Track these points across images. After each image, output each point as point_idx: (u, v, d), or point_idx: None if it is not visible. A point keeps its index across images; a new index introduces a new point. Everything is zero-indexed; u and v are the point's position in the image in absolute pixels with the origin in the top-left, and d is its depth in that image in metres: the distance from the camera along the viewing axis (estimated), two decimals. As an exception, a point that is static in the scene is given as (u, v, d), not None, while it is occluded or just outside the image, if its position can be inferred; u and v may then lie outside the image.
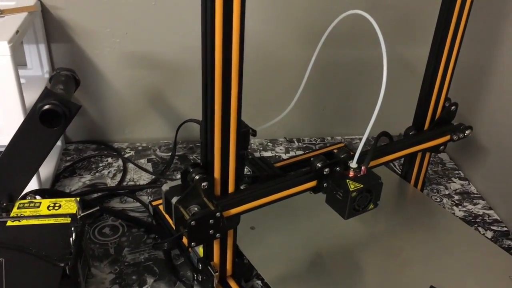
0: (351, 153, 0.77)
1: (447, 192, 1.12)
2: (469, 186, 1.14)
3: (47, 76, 1.11)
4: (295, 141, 1.30)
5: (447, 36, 0.81)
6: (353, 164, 0.76)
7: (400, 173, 1.03)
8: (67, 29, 1.10)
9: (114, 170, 1.14)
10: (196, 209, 0.68)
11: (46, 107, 0.70)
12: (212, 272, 0.76)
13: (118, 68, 1.16)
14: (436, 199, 1.09)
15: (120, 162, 1.17)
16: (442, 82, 0.86)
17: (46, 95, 0.70)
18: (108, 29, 1.11)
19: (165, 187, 0.71)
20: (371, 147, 0.79)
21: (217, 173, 0.69)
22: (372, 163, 0.81)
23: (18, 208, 0.78)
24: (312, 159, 0.76)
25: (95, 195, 1.05)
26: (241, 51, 0.60)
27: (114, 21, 1.10)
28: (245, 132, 0.73)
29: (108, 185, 1.09)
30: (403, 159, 1.00)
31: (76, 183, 1.09)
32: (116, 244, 0.93)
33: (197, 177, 0.68)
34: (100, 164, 1.16)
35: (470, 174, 1.17)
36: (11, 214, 0.76)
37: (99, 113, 1.22)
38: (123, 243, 0.93)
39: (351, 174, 0.76)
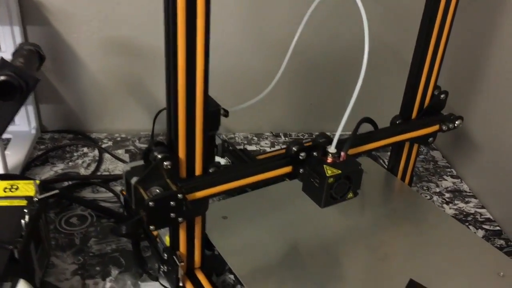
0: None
1: (438, 190, 1.06)
2: (461, 184, 1.09)
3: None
4: (282, 136, 1.24)
5: (436, 17, 0.76)
6: (332, 149, 0.71)
7: (386, 167, 0.97)
8: (43, 10, 1.05)
9: (89, 160, 1.09)
10: (158, 190, 0.63)
11: (1, 78, 0.65)
12: (177, 262, 0.70)
13: (96, 54, 1.11)
14: (426, 196, 1.04)
15: (96, 152, 1.12)
16: (430, 68, 0.81)
17: (1, 66, 0.65)
18: (86, 12, 1.06)
19: (125, 167, 0.66)
20: (351, 132, 0.74)
21: (181, 153, 0.64)
22: (354, 151, 0.76)
23: (-27, 189, 0.73)
24: (288, 143, 0.71)
25: (66, 183, 1.00)
26: (207, 13, 0.55)
27: (92, 4, 1.06)
28: (214, 112, 0.68)
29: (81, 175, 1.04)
30: (389, 152, 0.95)
31: (48, 172, 1.04)
32: (82, 234, 0.88)
33: (159, 156, 0.63)
34: (75, 154, 1.11)
35: (463, 172, 1.12)
36: (-36, 195, 0.71)
37: (76, 101, 1.17)
38: (90, 233, 0.88)
39: (329, 159, 0.70)
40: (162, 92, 1.17)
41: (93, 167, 1.06)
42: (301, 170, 0.71)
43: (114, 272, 0.81)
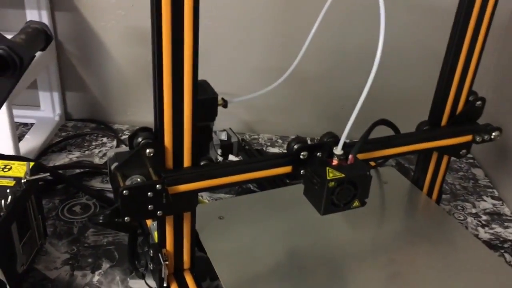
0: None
1: (474, 211, 0.95)
2: (502, 207, 0.97)
3: (47, 44, 1.06)
4: (308, 140, 1.17)
5: (473, 7, 0.67)
6: (338, 150, 0.63)
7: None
8: (71, -3, 1.05)
9: (106, 150, 1.07)
10: (138, 179, 0.58)
11: (-6, 52, 0.63)
12: (161, 260, 0.65)
13: (122, 43, 1.09)
14: (459, 216, 0.93)
15: (114, 143, 1.10)
16: (464, 69, 0.72)
17: (-5, 39, 0.63)
18: (114, 0, 1.05)
19: (110, 153, 0.62)
20: (363, 134, 0.66)
21: (167, 142, 0.58)
22: (366, 155, 0.68)
23: (-33, 166, 0.71)
24: (289, 140, 0.65)
25: (77, 171, 0.98)
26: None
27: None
28: (208, 100, 0.63)
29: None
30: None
31: (63, 159, 1.03)
32: (82, 223, 0.85)
33: (142, 142, 0.58)
34: (93, 143, 1.09)
35: (506, 194, 1.00)
36: (-43, 171, 0.70)
37: (101, 90, 1.15)
38: (90, 224, 0.85)
39: (335, 162, 0.63)
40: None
41: (108, 157, 1.04)
42: (302, 171, 0.64)
43: (105, 265, 0.77)
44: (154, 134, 0.59)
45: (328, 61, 1.11)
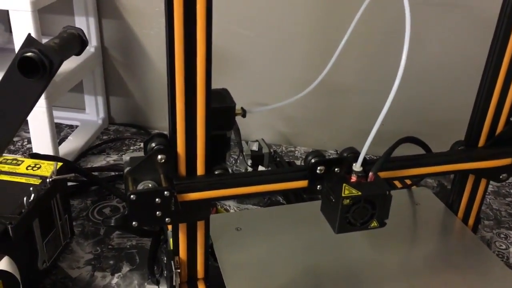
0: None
1: (518, 241, 0.88)
2: (551, 238, 0.89)
3: (92, 50, 1.10)
4: (347, 156, 1.14)
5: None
6: (357, 166, 0.60)
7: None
8: (118, 4, 1.08)
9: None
10: (150, 185, 0.58)
11: (25, 54, 0.65)
12: (173, 268, 0.65)
13: (164, 50, 1.10)
14: (501, 245, 0.86)
15: (152, 148, 1.12)
16: (505, 86, 0.67)
17: (27, 42, 0.66)
18: (157, 8, 1.07)
19: (126, 157, 0.63)
20: (386, 151, 0.63)
21: (181, 149, 0.58)
22: (390, 174, 0.65)
23: (0, 163, 0.75)
24: (307, 153, 0.63)
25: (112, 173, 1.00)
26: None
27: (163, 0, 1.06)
28: (224, 108, 0.62)
29: (130, 168, 1.03)
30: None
31: (100, 161, 1.06)
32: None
33: (155, 147, 0.58)
34: (132, 148, 1.12)
35: (558, 224, 0.92)
36: (-10, 167, 0.73)
37: (143, 96, 1.18)
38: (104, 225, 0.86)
39: (353, 179, 0.60)
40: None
41: (144, 162, 1.06)
42: (319, 187, 0.62)
43: (125, 268, 0.77)
44: (169, 141, 0.59)
45: (370, 75, 1.08)
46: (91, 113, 1.18)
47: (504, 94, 0.68)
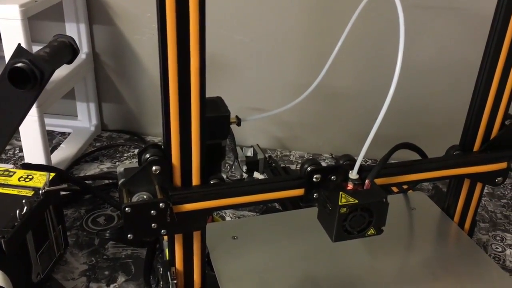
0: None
1: (514, 243, 0.88)
2: (547, 240, 0.89)
3: (84, 56, 1.09)
4: (341, 159, 1.13)
5: (508, 23, 0.62)
6: (353, 174, 0.60)
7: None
8: (109, 10, 1.07)
9: (136, 161, 1.08)
10: (145, 196, 0.57)
11: (16, 65, 0.64)
12: (169, 279, 0.64)
13: (156, 56, 1.09)
14: (497, 248, 0.86)
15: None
16: (499, 90, 0.67)
17: (18, 53, 0.65)
18: (149, 14, 1.06)
19: (120, 168, 0.62)
20: (382, 157, 0.63)
21: (175, 160, 0.58)
22: (387, 180, 0.64)
23: (-9, 174, 0.74)
24: (303, 161, 0.62)
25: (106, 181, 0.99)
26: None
27: (155, 6, 1.05)
28: (219, 118, 0.61)
29: (123, 175, 1.02)
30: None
31: (93, 169, 1.05)
32: (103, 235, 0.85)
33: (150, 158, 0.57)
34: (125, 154, 1.11)
35: (553, 225, 0.92)
36: (-19, 179, 0.72)
37: (136, 102, 1.17)
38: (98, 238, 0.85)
39: (350, 186, 0.60)
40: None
41: (138, 169, 1.05)
42: (315, 195, 0.61)
43: (121, 279, 0.77)
44: (164, 152, 0.58)
45: (364, 78, 1.07)
46: (83, 120, 1.17)
47: (498, 98, 0.68)
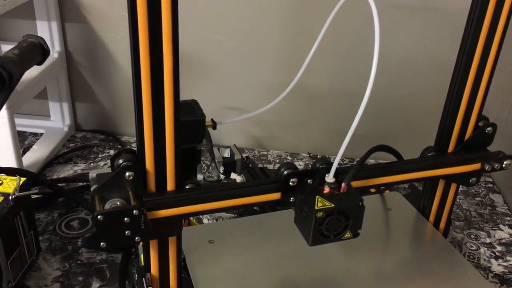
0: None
1: (488, 241, 0.89)
2: (520, 237, 0.91)
3: (56, 55, 1.06)
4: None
5: (482, 25, 0.63)
6: (329, 178, 0.60)
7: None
8: (81, 8, 1.04)
9: (111, 163, 1.06)
10: (118, 203, 0.56)
11: (-19, 67, 0.62)
12: (145, 285, 0.63)
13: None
14: (471, 246, 0.87)
15: (121, 155, 1.09)
16: (473, 92, 0.67)
17: (-16, 54, 0.63)
18: (123, 12, 1.04)
19: (92, 174, 0.60)
20: (358, 161, 0.63)
21: (149, 165, 0.56)
22: (363, 183, 0.64)
23: (-41, 180, 0.71)
24: (280, 165, 0.62)
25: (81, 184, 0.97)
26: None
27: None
28: (194, 121, 0.60)
29: (98, 177, 1.00)
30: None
31: (67, 171, 1.02)
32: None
33: (123, 164, 0.56)
34: (100, 155, 1.09)
35: (525, 223, 0.94)
36: (-51, 185, 0.70)
37: (110, 102, 1.15)
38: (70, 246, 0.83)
39: (326, 190, 0.60)
40: (195, 98, 1.08)
41: (113, 170, 1.03)
42: (292, 199, 0.61)
43: (95, 285, 0.75)
44: (137, 157, 0.57)
45: (341, 78, 1.08)
46: (56, 120, 1.15)
47: (472, 99, 0.68)
